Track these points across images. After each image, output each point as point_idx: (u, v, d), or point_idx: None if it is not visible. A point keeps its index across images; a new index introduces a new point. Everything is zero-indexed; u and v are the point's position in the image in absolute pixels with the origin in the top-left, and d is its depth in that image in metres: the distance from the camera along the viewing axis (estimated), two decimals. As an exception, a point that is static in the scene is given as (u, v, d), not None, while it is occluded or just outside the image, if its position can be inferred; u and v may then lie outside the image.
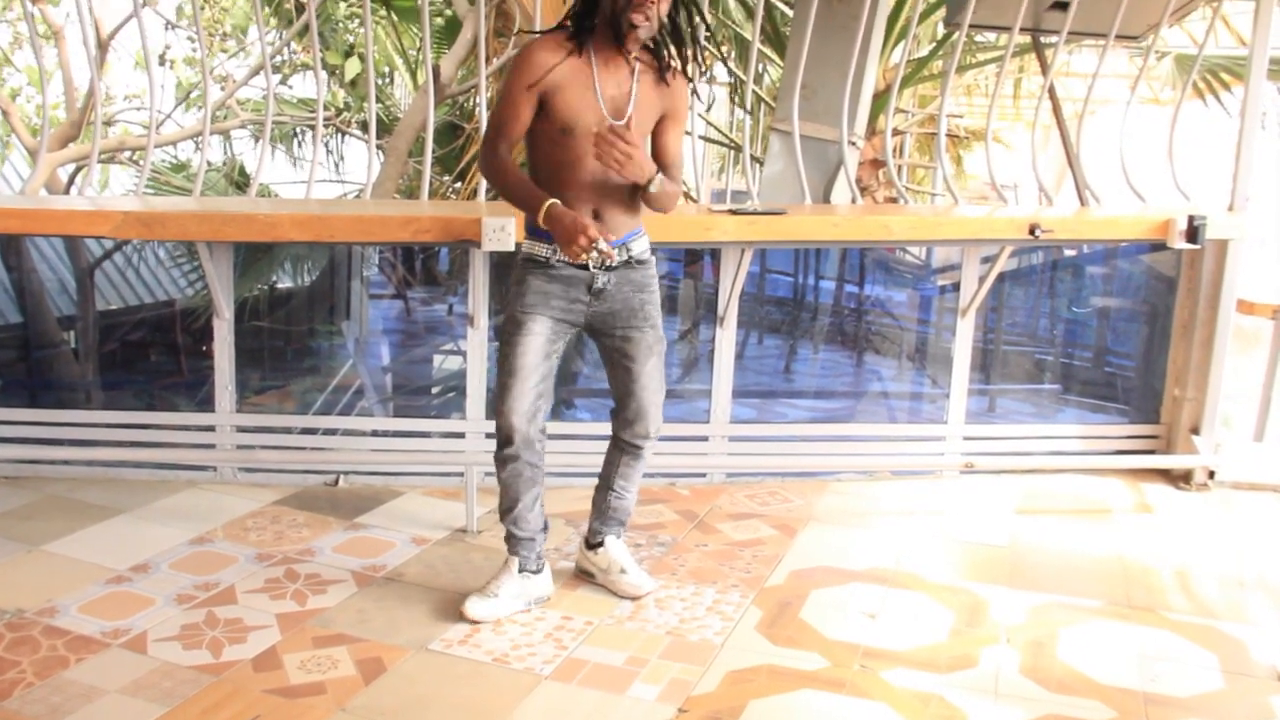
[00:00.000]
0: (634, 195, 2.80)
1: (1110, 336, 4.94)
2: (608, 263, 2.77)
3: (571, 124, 2.71)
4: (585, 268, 2.80)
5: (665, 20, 2.72)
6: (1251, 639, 2.91)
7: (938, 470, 4.22)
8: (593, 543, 3.12)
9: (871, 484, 4.10)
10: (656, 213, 2.88)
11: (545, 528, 3.02)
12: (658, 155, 2.88)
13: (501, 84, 2.86)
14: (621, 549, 3.11)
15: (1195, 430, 4.23)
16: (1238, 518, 3.90)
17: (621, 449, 3.03)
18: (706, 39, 2.91)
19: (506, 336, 2.85)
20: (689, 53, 2.81)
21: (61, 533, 3.37)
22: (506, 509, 2.94)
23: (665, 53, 2.78)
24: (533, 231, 2.83)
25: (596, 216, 2.76)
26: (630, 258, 2.85)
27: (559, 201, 2.69)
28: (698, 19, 2.86)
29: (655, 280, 2.94)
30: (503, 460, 2.88)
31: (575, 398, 4.85)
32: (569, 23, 2.75)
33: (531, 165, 2.85)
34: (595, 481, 3.11)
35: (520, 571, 2.96)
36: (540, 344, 2.82)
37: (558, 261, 2.80)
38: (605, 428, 3.08)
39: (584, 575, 3.15)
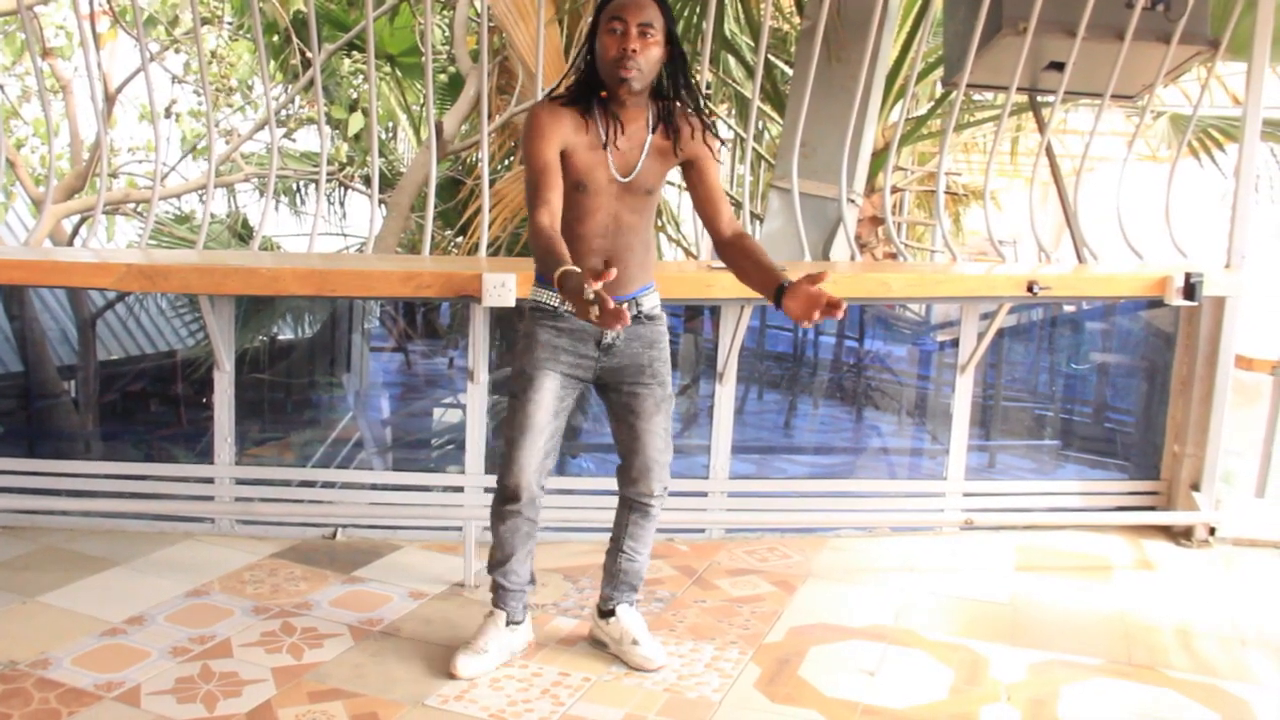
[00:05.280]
0: (646, 251, 2.83)
1: (1110, 392, 4.94)
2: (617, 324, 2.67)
3: (584, 182, 2.72)
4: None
5: (664, 72, 2.73)
6: (1255, 698, 2.89)
7: (937, 526, 4.21)
8: (605, 610, 3.06)
9: (871, 540, 4.09)
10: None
11: (532, 580, 3.01)
12: (703, 205, 2.84)
13: (523, 156, 2.84)
14: (634, 618, 3.03)
15: (1195, 486, 4.23)
16: (1239, 575, 3.88)
17: (630, 507, 2.99)
18: (705, 94, 2.91)
19: (518, 391, 2.81)
20: (684, 100, 2.79)
21: (57, 584, 3.36)
22: (499, 562, 2.93)
23: (670, 106, 2.77)
24: (540, 280, 2.83)
25: (606, 268, 2.75)
26: (640, 313, 2.84)
27: (576, 269, 2.54)
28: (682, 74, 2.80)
29: (665, 337, 2.93)
30: (503, 515, 2.86)
31: (578, 451, 4.85)
32: (572, 88, 2.76)
33: None
34: (593, 536, 3.10)
35: (507, 624, 2.96)
36: (551, 401, 2.80)
37: (565, 311, 2.78)
38: (605, 481, 3.07)
39: (598, 645, 3.07)
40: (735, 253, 2.80)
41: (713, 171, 2.83)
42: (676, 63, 2.75)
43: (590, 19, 2.76)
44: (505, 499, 2.84)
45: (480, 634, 2.95)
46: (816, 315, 2.43)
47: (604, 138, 2.71)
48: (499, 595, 2.97)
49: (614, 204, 2.75)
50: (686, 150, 2.78)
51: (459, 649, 2.92)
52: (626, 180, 2.74)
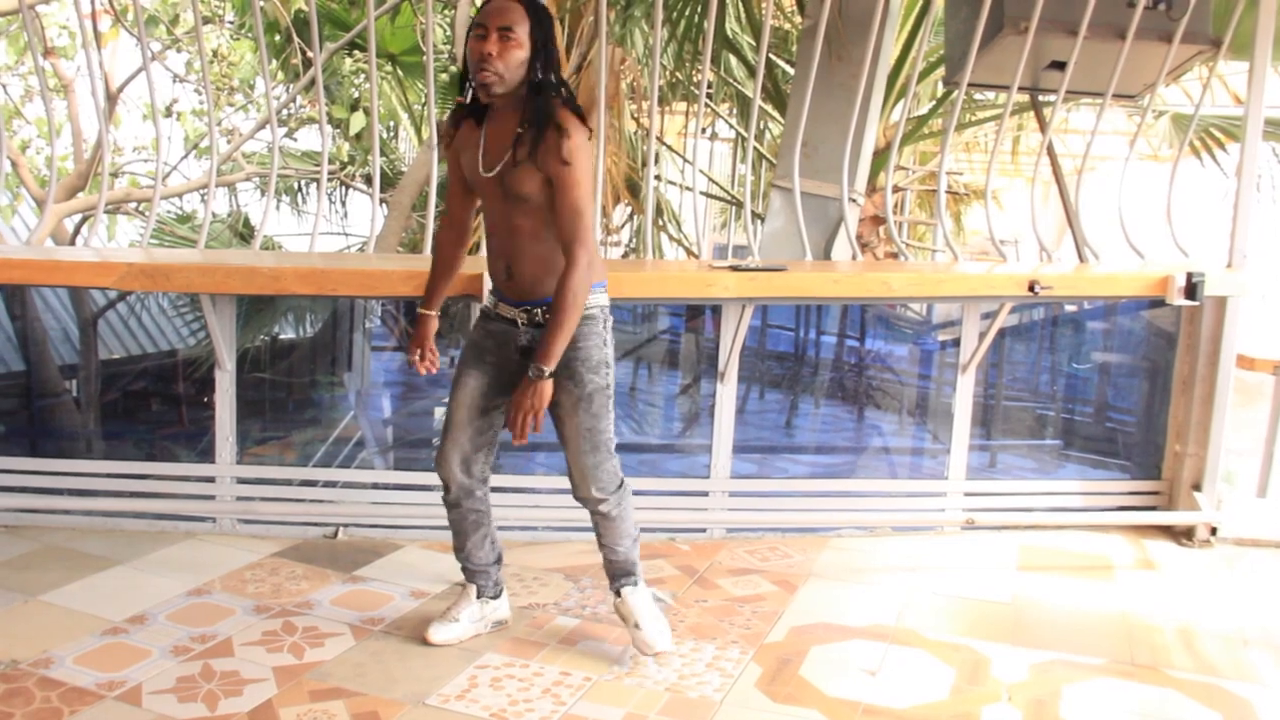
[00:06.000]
0: (555, 256, 2.76)
1: (1111, 392, 4.94)
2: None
3: (470, 179, 2.85)
4: (514, 324, 2.86)
5: (536, 76, 2.69)
6: (1257, 698, 2.88)
7: (939, 526, 4.21)
8: (615, 591, 3.10)
9: (872, 540, 4.08)
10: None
11: (498, 560, 3.15)
12: (554, 219, 2.73)
13: None
14: (639, 600, 3.04)
15: (1197, 486, 4.22)
16: (1241, 575, 3.88)
17: (587, 511, 3.02)
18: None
19: (451, 388, 2.97)
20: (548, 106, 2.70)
21: (59, 583, 3.36)
22: (457, 548, 3.10)
23: (545, 111, 2.69)
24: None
25: (509, 273, 2.82)
26: None
27: (430, 315, 3.08)
28: (552, 73, 2.74)
29: (590, 336, 2.83)
30: (446, 505, 3.04)
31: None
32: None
33: None
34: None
35: (479, 597, 3.11)
36: (473, 398, 2.93)
37: (495, 314, 2.92)
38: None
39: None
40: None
41: (563, 192, 2.69)
42: (547, 63, 2.71)
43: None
44: (442, 490, 3.03)
45: (454, 605, 3.12)
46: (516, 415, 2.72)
47: (482, 136, 2.79)
48: (466, 573, 3.13)
49: (499, 205, 2.80)
50: (543, 164, 2.68)
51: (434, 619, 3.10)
52: (489, 175, 2.77)
